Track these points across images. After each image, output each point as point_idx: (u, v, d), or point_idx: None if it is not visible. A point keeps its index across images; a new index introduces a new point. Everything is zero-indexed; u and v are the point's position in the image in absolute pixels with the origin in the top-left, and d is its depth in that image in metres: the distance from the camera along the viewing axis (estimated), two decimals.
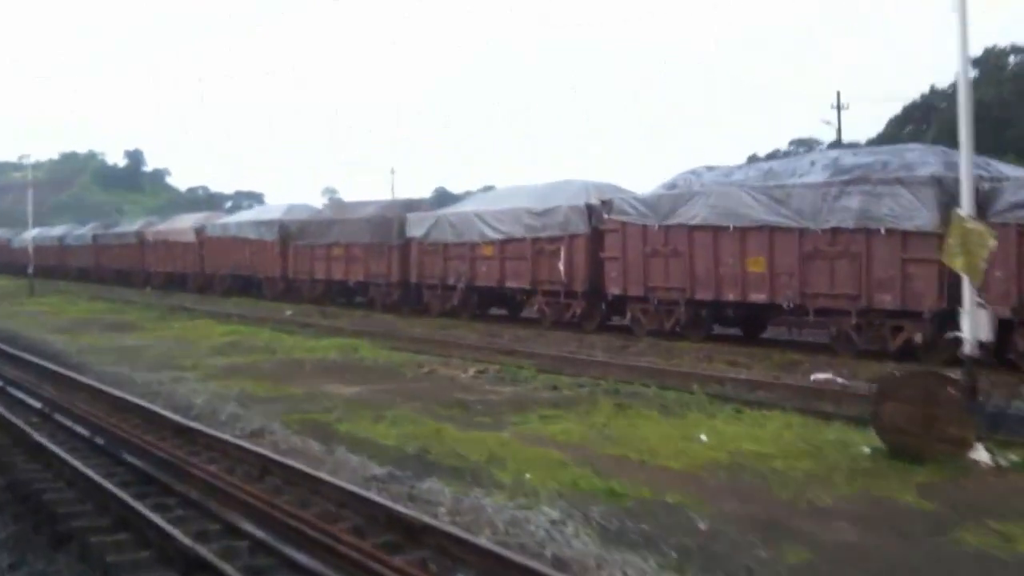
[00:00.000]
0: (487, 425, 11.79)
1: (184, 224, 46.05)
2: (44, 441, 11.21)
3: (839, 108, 49.09)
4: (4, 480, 10.07)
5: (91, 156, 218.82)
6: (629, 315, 22.45)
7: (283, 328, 26.13)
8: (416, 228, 29.46)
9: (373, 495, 8.40)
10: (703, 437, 10.57)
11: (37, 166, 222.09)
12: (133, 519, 8.16)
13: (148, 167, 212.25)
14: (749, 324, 21.11)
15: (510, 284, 25.87)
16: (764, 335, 21.30)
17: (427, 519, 7.51)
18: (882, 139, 57.83)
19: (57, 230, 64.10)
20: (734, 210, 19.39)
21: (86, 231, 58.04)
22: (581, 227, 23.34)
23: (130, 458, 10.60)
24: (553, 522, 7.60)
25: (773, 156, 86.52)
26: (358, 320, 28.81)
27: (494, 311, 28.60)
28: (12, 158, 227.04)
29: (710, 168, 21.64)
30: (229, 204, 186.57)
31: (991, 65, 67.45)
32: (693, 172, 21.77)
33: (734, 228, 19.38)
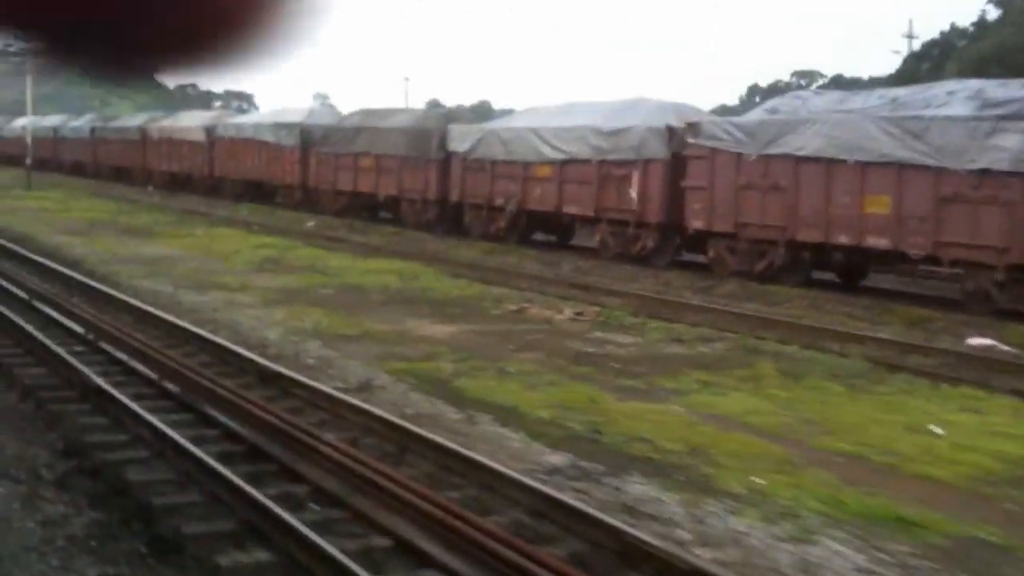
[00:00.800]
0: (643, 393, 9.63)
1: (193, 122, 43.09)
2: (103, 384, 8.98)
3: (910, 38, 46.07)
4: (62, 440, 7.86)
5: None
6: (712, 253, 20.21)
7: (316, 243, 23.83)
8: (460, 142, 26.93)
9: (581, 504, 6.26)
10: (936, 429, 8.45)
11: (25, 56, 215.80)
12: (267, 526, 5.98)
13: None
14: (849, 271, 18.96)
15: (569, 210, 23.51)
16: (863, 284, 19.16)
17: (699, 563, 5.37)
18: (899, 77, 55.18)
19: (51, 120, 60.73)
20: (855, 142, 17.05)
21: (83, 123, 54.82)
22: (660, 151, 20.92)
23: (218, 415, 8.41)
24: (861, 571, 5.48)
25: (775, 89, 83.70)
26: (391, 239, 26.45)
27: (539, 237, 26.31)
28: None
29: (817, 92, 19.21)
30: (219, 104, 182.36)
31: (1016, 6, 64.55)
32: (797, 95, 19.47)
33: (854, 162, 17.07)
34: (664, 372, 10.55)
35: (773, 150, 18.46)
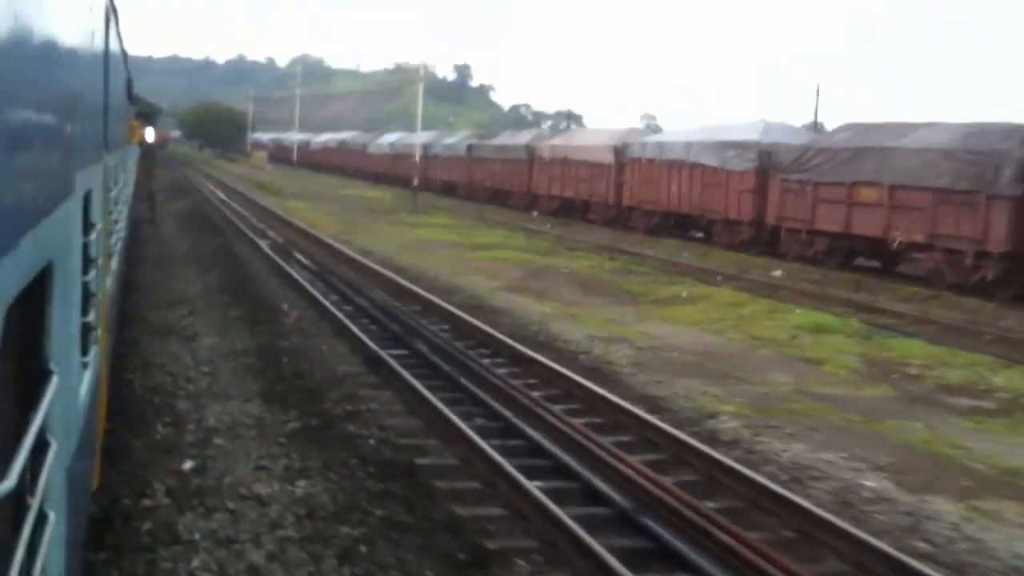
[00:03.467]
0: None
1: (596, 140, 36.26)
2: None
3: None
4: None
5: (422, 68, 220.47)
6: None
7: (857, 315, 15.46)
8: None
9: None
10: None
11: (371, 75, 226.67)
12: None
13: (474, 82, 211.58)
14: None
15: None
16: None
17: None
18: None
19: (422, 137, 56.94)
20: None
21: (459, 140, 50.04)
22: None
23: None
24: None
25: None
26: (939, 310, 17.60)
27: None
28: (350, 66, 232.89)
29: None
30: (549, 124, 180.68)
31: None
32: None
33: None
34: None
35: None
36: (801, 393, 9.91)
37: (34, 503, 1.64)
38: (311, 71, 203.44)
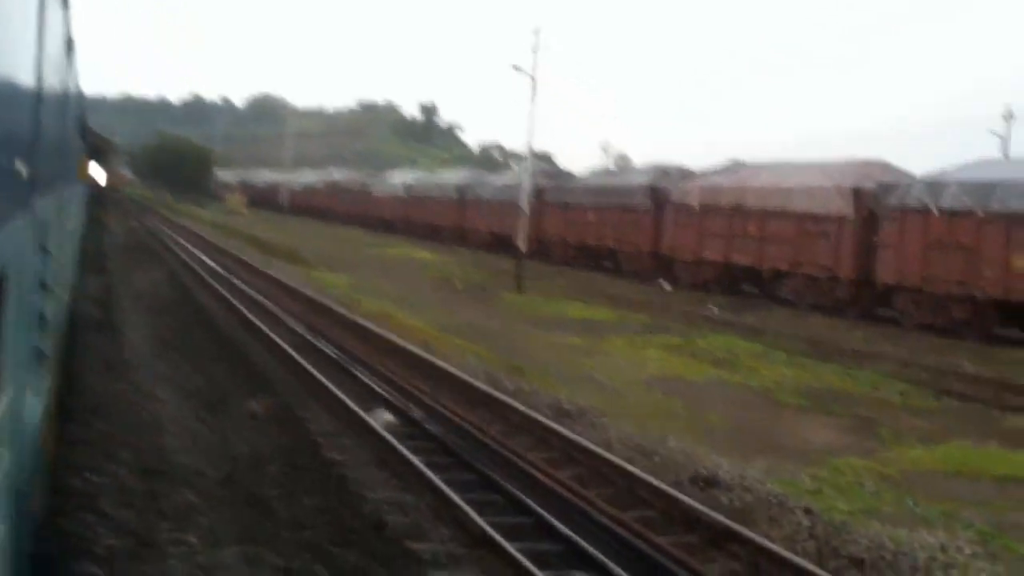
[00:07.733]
0: None
1: (807, 179, 22.79)
2: None
3: None
4: None
5: (389, 107, 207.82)
6: None
7: None
8: None
9: None
10: None
11: (335, 115, 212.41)
12: None
13: (441, 121, 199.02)
14: None
15: None
16: None
17: None
18: None
19: (453, 176, 43.44)
20: None
21: (516, 181, 36.61)
22: None
23: None
24: None
25: None
26: None
27: None
28: (312, 105, 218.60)
29: None
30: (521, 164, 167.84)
31: None
32: None
33: None
34: None
35: None
36: None
37: None
38: (272, 110, 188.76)
